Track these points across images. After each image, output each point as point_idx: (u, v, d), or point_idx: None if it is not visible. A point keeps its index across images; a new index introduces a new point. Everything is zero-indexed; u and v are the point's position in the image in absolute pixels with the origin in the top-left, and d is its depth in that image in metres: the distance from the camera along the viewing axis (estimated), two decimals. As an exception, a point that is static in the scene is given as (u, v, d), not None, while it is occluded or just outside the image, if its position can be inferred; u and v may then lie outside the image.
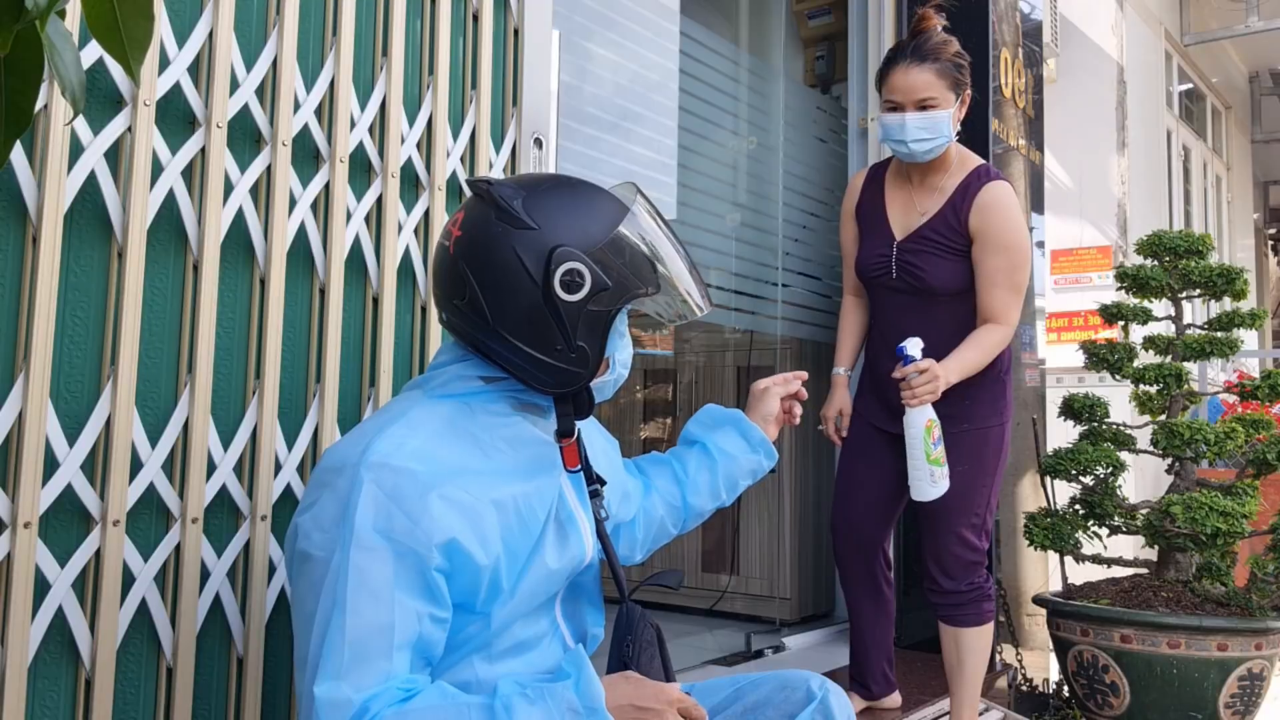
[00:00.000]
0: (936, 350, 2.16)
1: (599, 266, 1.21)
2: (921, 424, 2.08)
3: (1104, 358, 3.20)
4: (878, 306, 2.41)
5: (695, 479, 1.60)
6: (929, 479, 2.10)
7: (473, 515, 1.17)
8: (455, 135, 1.95)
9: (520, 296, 1.20)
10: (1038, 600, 3.07)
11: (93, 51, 1.42)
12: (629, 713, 1.15)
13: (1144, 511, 2.98)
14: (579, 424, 1.32)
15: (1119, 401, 3.62)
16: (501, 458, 1.24)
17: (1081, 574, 3.17)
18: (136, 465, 1.44)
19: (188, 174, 1.53)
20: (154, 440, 1.47)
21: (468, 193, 1.95)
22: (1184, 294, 3.20)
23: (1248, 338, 4.90)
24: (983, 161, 2.34)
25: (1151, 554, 3.18)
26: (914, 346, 2.12)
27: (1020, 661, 3.23)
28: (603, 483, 1.39)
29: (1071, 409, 3.20)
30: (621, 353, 1.31)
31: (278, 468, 1.62)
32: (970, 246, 2.26)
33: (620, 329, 1.29)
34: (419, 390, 1.29)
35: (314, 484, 1.19)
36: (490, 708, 1.09)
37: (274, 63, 1.64)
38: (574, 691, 1.11)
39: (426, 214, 1.89)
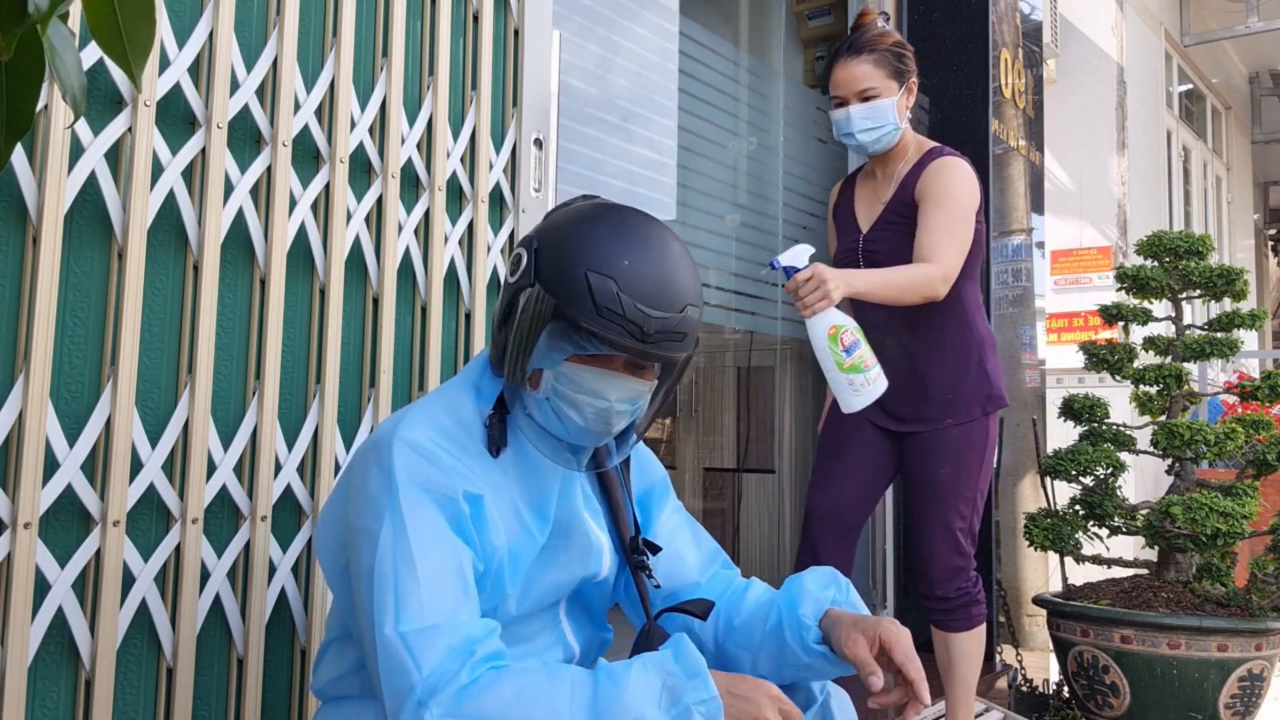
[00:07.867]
0: (904, 330, 2.22)
1: (546, 266, 1.18)
2: (823, 333, 1.91)
3: (1104, 358, 3.19)
4: (854, 302, 2.30)
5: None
6: (849, 388, 1.94)
7: (485, 488, 1.20)
8: (455, 136, 1.95)
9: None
10: (1038, 601, 3.07)
11: (93, 52, 1.42)
12: (726, 698, 1.14)
13: (1144, 512, 2.98)
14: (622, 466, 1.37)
15: (1119, 402, 3.62)
16: (505, 465, 1.25)
17: (1081, 574, 3.17)
18: (136, 466, 1.44)
19: (188, 174, 1.53)
20: (154, 440, 1.47)
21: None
22: (1184, 295, 3.20)
23: (1248, 338, 4.90)
24: (939, 145, 2.30)
25: (1151, 554, 3.18)
26: (795, 256, 1.93)
27: (1020, 662, 3.23)
28: (654, 550, 1.36)
29: (1071, 409, 3.20)
30: (562, 389, 1.20)
31: (278, 468, 1.62)
32: None
33: (554, 356, 1.20)
34: (459, 387, 1.29)
35: (356, 463, 1.23)
36: (592, 675, 1.10)
37: (274, 63, 1.64)
38: (674, 660, 1.13)
39: (427, 214, 1.89)
